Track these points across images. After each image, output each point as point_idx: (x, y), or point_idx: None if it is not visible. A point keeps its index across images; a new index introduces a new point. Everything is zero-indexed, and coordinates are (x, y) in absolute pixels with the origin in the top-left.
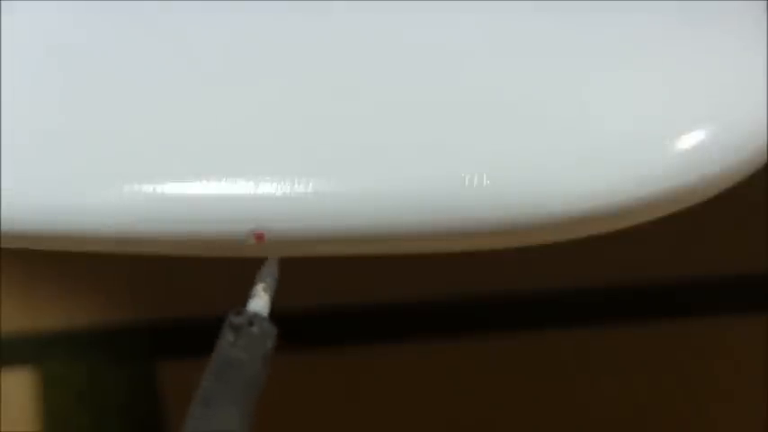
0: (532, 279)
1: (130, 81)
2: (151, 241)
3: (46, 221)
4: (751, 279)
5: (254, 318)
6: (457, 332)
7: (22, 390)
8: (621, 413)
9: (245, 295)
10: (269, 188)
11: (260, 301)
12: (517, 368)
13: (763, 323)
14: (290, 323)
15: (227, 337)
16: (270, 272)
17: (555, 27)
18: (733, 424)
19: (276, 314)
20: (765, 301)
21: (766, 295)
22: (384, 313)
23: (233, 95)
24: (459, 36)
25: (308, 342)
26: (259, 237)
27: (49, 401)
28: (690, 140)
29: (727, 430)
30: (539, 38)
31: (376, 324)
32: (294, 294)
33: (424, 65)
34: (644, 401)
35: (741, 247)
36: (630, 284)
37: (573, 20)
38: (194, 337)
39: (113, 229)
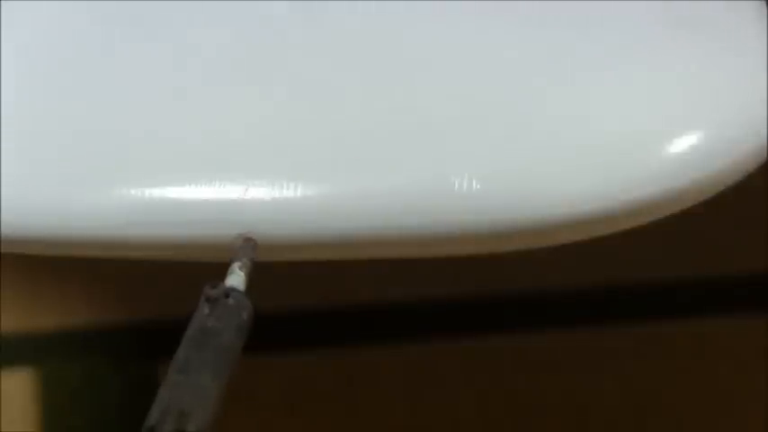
0: (532, 279)
1: (124, 84)
2: (140, 246)
3: (38, 226)
4: (751, 279)
5: (230, 291)
6: (457, 332)
7: (22, 390)
8: (621, 413)
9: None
10: (258, 192)
11: (236, 278)
12: (517, 368)
13: (763, 323)
14: (290, 323)
15: (203, 308)
16: (246, 251)
17: (550, 29)
18: (733, 424)
19: (276, 315)
20: (765, 301)
21: (766, 295)
22: (384, 313)
23: (223, 99)
24: (453, 39)
25: (309, 342)
26: (248, 241)
27: (49, 401)
28: (688, 141)
29: (727, 430)
30: (534, 40)
31: (376, 324)
32: (294, 294)
33: (415, 68)
34: (644, 401)
35: (741, 247)
36: (630, 284)
37: (566, 23)
38: None
39: (103, 234)
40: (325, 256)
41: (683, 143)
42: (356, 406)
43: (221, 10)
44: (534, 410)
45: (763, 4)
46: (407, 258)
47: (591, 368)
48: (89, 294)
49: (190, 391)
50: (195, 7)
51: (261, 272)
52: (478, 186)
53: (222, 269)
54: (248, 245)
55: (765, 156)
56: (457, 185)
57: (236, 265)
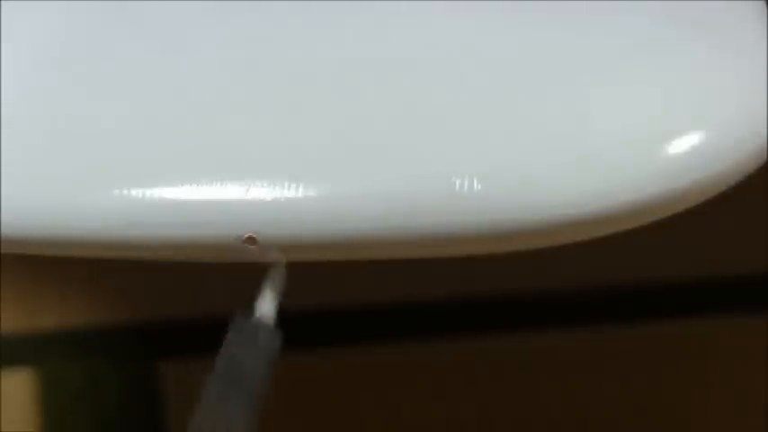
0: (532, 279)
1: (124, 84)
2: (141, 246)
3: (38, 226)
4: (751, 279)
5: (260, 322)
6: (457, 332)
7: (22, 390)
8: (621, 413)
9: (245, 295)
10: (259, 192)
11: (266, 306)
12: (517, 368)
13: (763, 323)
14: (290, 323)
15: (234, 339)
16: (278, 276)
17: (550, 29)
18: (733, 424)
19: (277, 314)
20: (765, 301)
21: (766, 295)
22: (384, 313)
23: (224, 99)
24: (453, 39)
25: (308, 342)
26: (250, 241)
27: (49, 401)
28: (689, 142)
29: (727, 430)
30: (534, 40)
31: (376, 324)
32: (294, 294)
33: (415, 68)
34: (644, 401)
35: (741, 247)
36: (630, 284)
37: (567, 23)
38: (194, 337)
39: (103, 234)
40: (326, 256)
41: (683, 143)
42: (356, 406)
43: (221, 10)
44: (534, 410)
45: (763, 4)
46: (408, 259)
47: (591, 368)
48: (89, 294)
49: (221, 426)
50: (195, 7)
51: (260, 272)
52: (479, 187)
53: (223, 269)
54: (279, 269)
55: (765, 156)
56: (458, 186)
57: (267, 292)
